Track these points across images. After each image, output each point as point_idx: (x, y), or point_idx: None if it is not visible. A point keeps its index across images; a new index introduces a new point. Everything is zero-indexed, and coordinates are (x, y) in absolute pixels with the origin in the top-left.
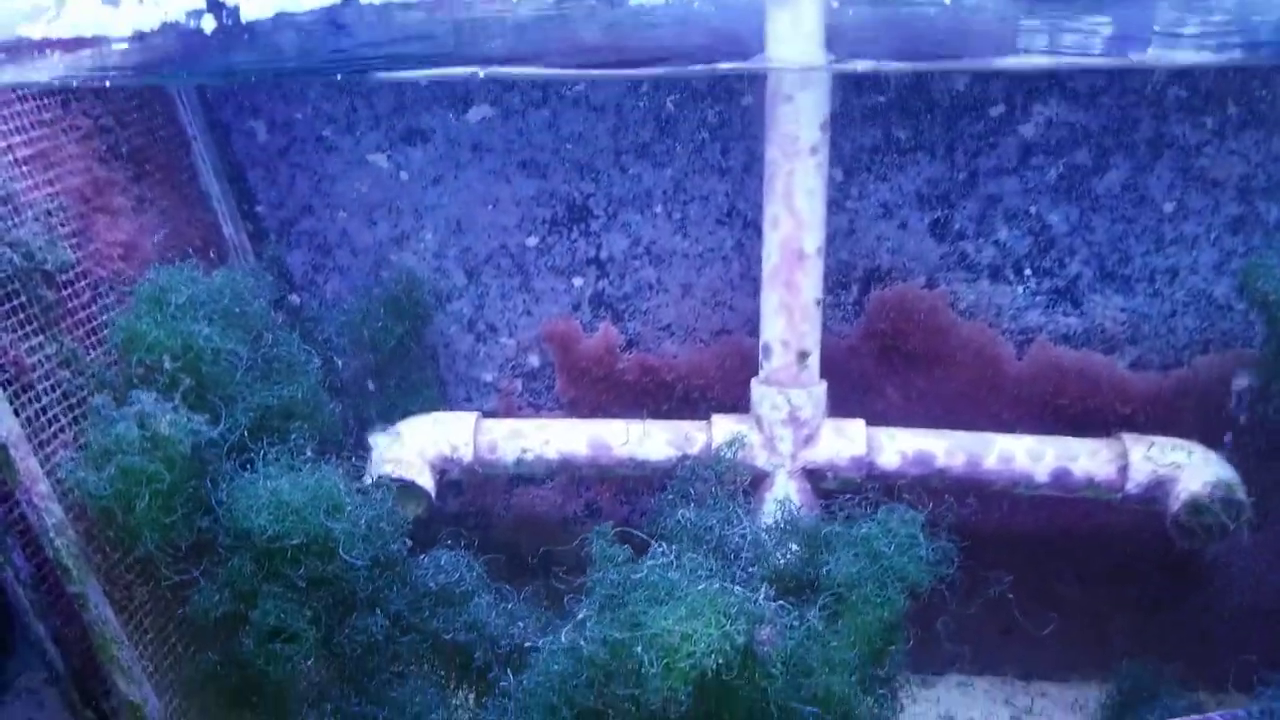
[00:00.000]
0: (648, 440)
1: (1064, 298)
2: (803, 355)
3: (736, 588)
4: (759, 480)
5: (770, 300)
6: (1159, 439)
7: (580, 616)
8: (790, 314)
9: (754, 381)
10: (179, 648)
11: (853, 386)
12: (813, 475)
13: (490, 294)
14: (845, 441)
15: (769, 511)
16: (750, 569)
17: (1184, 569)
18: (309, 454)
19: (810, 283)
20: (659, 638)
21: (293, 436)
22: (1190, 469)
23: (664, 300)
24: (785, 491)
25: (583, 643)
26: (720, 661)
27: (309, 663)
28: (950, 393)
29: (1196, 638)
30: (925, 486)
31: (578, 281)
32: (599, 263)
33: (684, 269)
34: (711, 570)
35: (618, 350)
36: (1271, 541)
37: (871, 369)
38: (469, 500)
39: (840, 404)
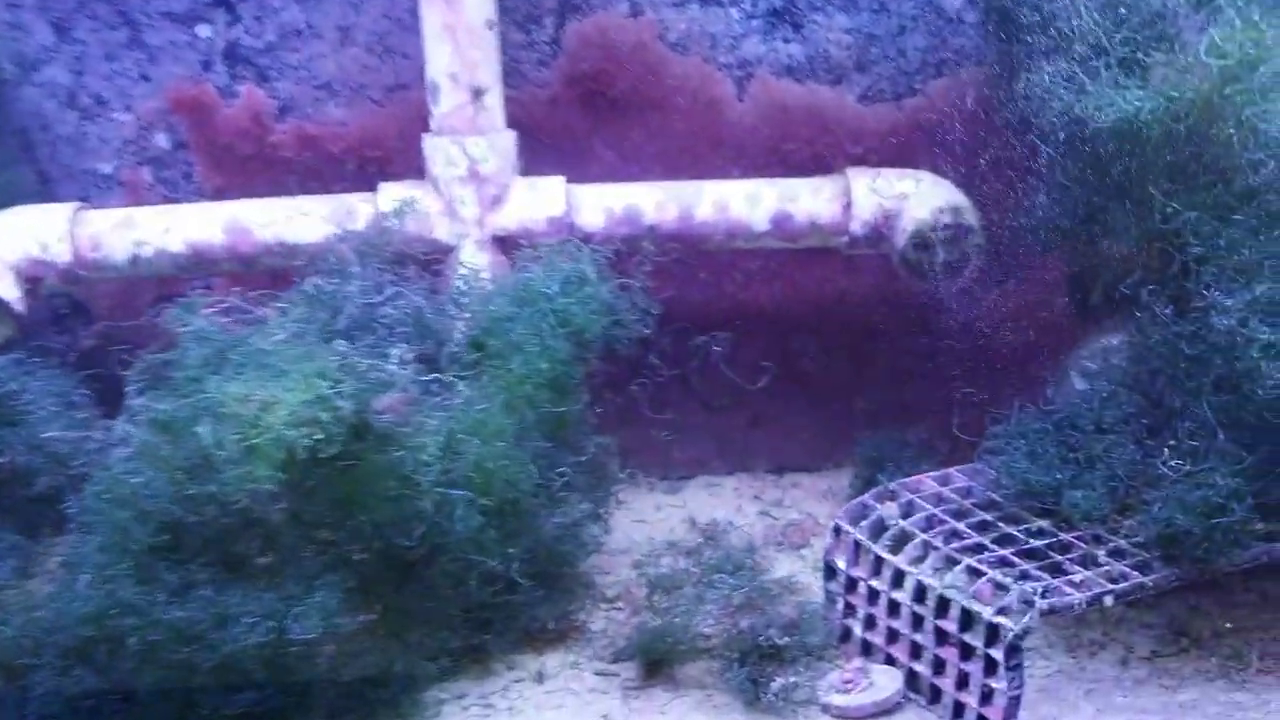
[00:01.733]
0: (299, 219)
1: (783, 20)
2: (478, 93)
3: (341, 345)
4: (444, 255)
5: (430, 22)
6: (886, 170)
7: (135, 403)
8: (455, 37)
9: (425, 135)
10: None
11: (558, 146)
12: (506, 244)
13: (90, 54)
14: (540, 200)
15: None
16: (407, 343)
17: (927, 332)
18: None
19: None
20: (226, 409)
21: None
22: (917, 197)
23: (319, 50)
24: (474, 265)
25: (131, 430)
26: (318, 437)
27: None
28: (668, 146)
29: (940, 403)
30: (638, 248)
31: (204, 31)
32: (227, 4)
33: (338, 6)
34: (322, 330)
35: (268, 119)
36: (1007, 296)
37: (578, 123)
38: (104, 330)
39: (547, 169)
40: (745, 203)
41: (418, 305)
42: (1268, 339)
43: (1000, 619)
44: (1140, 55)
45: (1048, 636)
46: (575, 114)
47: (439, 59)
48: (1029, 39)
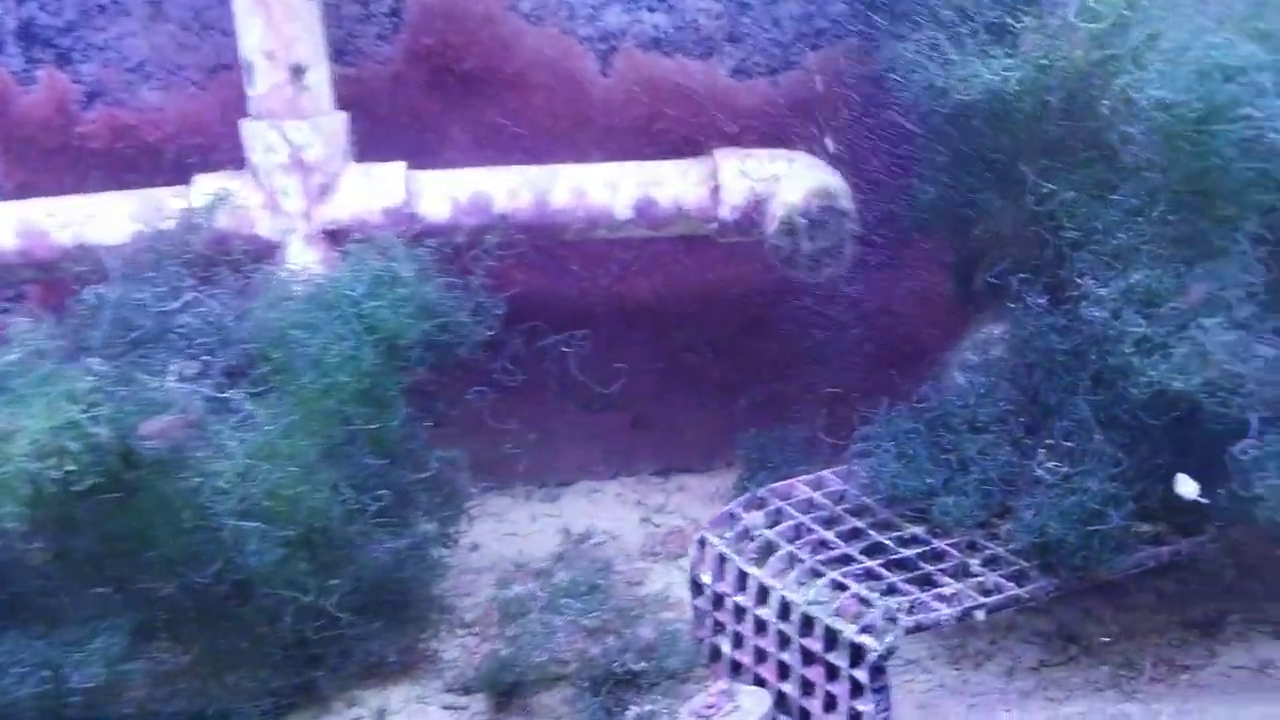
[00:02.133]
0: (100, 218)
1: None
2: (297, 71)
3: (98, 364)
4: (270, 253)
5: None
6: (757, 151)
7: None
8: (268, 10)
9: (243, 120)
10: None
11: (406, 130)
12: (339, 239)
13: None
14: (376, 189)
15: None
16: (210, 357)
17: (811, 323)
18: None
19: None
20: None
21: None
22: (789, 180)
23: (127, 27)
24: (302, 263)
25: None
26: (69, 468)
27: None
28: (528, 127)
29: (824, 398)
30: (488, 241)
31: None
32: None
33: None
34: (92, 345)
35: (74, 107)
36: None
37: (425, 103)
38: None
39: (394, 155)
40: (605, 188)
41: (219, 313)
42: (1142, 332)
43: (863, 638)
44: (1010, 20)
45: (931, 648)
46: (422, 93)
47: (251, 35)
48: (893, 4)
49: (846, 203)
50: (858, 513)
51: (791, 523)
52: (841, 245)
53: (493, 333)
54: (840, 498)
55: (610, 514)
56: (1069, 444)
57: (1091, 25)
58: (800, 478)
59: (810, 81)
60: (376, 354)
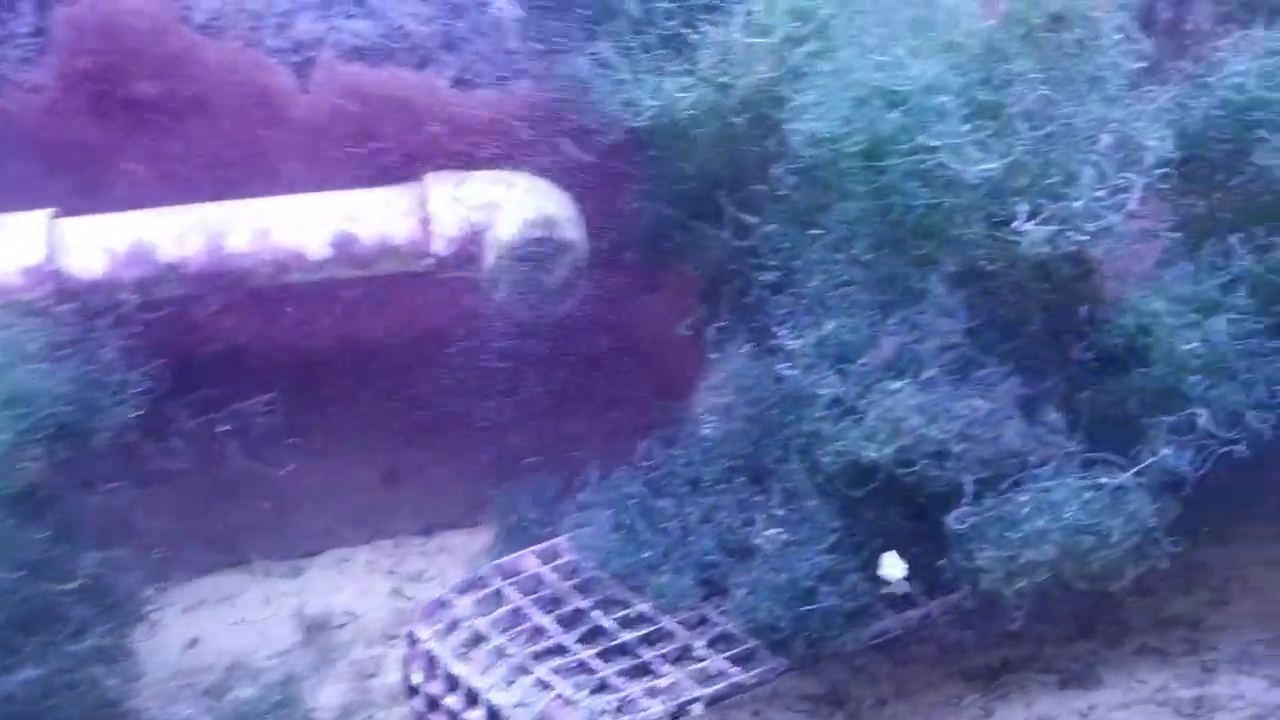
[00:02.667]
0: None
1: None
2: None
3: None
4: None
5: None
6: (476, 174)
7: None
8: None
9: None
10: None
11: (65, 168)
12: None
13: None
14: (9, 246)
15: None
16: None
17: (564, 363)
18: None
19: None
20: None
21: None
22: (509, 207)
23: None
24: None
25: None
26: None
27: None
28: (220, 156)
29: (579, 445)
30: (157, 295)
31: None
32: None
33: None
34: None
35: None
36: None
37: (90, 135)
38: None
39: (51, 199)
40: (295, 225)
41: None
42: (833, 393)
43: None
44: (689, 31)
45: None
46: (84, 123)
47: None
48: (567, 9)
49: (572, 231)
50: (586, 588)
51: (509, 607)
52: (566, 278)
53: (141, 411)
54: (572, 571)
55: (358, 586)
56: (785, 511)
57: (762, 40)
58: (533, 548)
59: (531, 95)
60: None
